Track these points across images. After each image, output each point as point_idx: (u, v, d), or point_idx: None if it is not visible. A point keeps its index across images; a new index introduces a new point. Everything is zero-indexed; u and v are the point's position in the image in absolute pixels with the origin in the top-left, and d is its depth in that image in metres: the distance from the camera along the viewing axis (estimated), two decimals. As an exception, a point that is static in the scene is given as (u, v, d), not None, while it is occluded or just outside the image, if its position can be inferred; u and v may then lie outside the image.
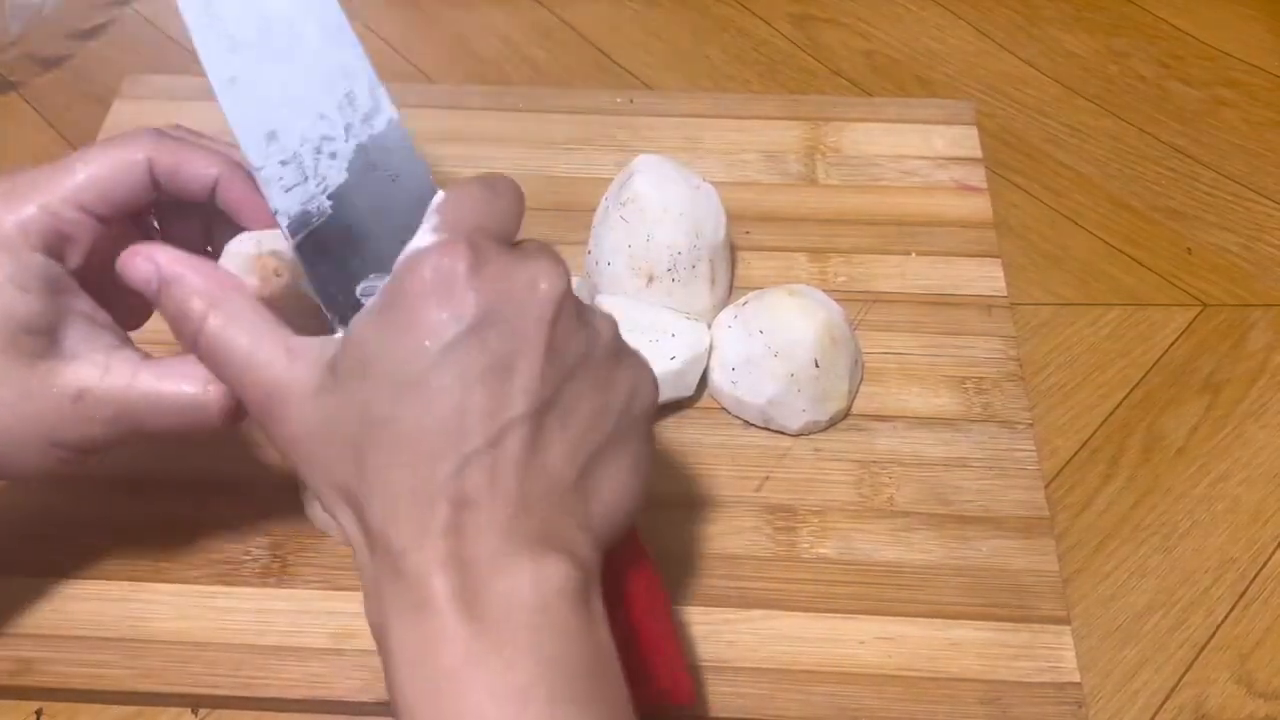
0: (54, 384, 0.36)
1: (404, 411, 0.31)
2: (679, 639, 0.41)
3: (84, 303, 0.38)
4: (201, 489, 0.48)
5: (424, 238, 0.33)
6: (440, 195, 0.34)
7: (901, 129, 0.62)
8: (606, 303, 0.50)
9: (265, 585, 0.46)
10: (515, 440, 0.31)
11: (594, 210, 0.54)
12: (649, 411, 0.36)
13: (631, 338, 0.47)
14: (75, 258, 0.37)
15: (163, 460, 0.49)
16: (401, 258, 0.33)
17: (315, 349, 0.33)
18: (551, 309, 0.32)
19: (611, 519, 0.34)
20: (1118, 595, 0.47)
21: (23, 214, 0.36)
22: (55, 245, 0.37)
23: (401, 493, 0.31)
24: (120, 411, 0.36)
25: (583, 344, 0.33)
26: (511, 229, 0.35)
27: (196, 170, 0.38)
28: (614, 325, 0.35)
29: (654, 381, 0.36)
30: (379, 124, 0.36)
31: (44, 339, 0.36)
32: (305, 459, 0.33)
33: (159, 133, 0.39)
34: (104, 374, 0.36)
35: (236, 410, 0.36)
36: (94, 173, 0.37)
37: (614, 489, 0.34)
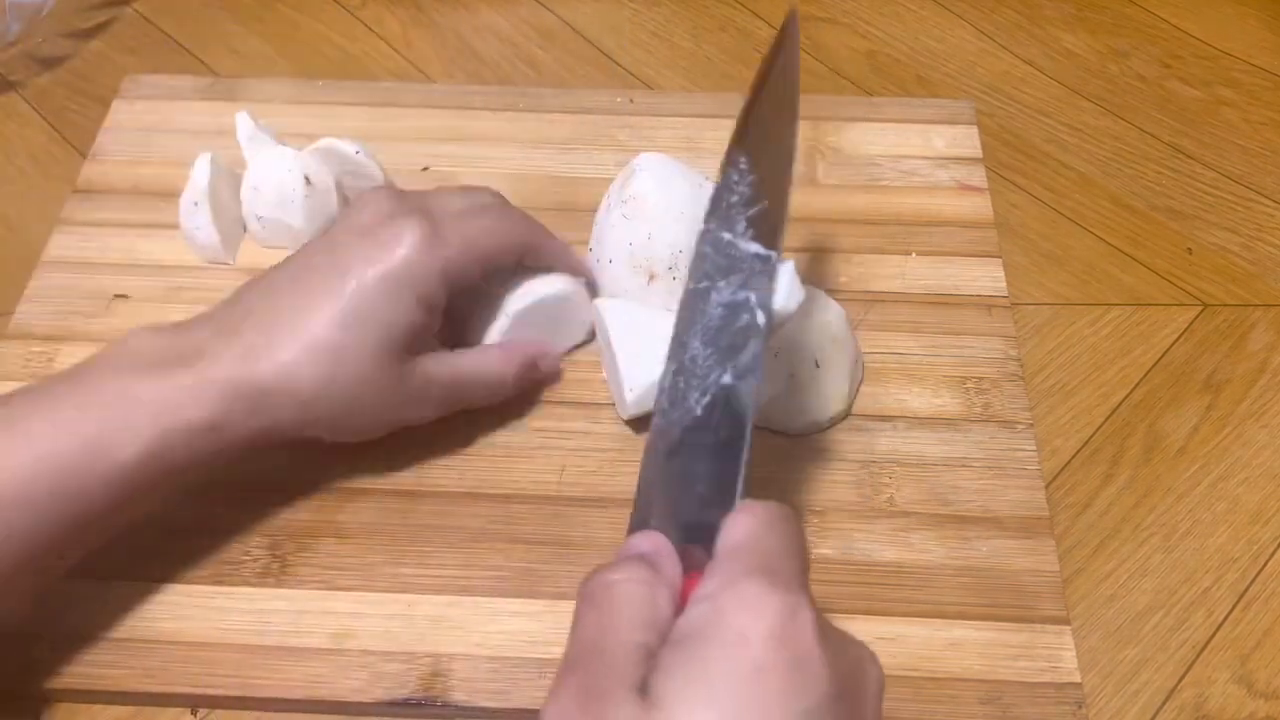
0: (413, 373, 0.45)
1: None
2: None
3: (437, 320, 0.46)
4: (201, 489, 0.48)
5: (749, 572, 0.30)
6: (754, 517, 0.32)
7: (901, 129, 0.62)
8: (607, 305, 0.49)
9: (265, 585, 0.46)
10: None
11: (594, 210, 0.54)
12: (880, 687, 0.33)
13: (632, 341, 0.48)
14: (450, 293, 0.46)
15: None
16: (734, 592, 0.29)
17: None
18: (880, 699, 0.30)
19: None
20: (1118, 595, 0.47)
21: (448, 254, 0.44)
22: (454, 282, 0.45)
23: None
24: (449, 391, 0.47)
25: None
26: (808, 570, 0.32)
27: (557, 264, 0.51)
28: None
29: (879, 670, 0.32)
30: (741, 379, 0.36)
31: (416, 343, 0.45)
32: None
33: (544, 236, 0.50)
34: (439, 365, 0.46)
35: (525, 383, 0.50)
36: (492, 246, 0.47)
37: None
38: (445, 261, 0.44)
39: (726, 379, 0.36)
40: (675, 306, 0.38)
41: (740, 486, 0.34)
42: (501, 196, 0.50)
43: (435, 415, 0.47)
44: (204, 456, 0.41)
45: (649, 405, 0.47)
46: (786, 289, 0.41)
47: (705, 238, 0.40)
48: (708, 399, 0.36)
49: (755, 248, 0.39)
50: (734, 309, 0.38)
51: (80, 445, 0.39)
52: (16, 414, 0.39)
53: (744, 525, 0.31)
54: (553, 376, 0.52)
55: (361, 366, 0.43)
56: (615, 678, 0.28)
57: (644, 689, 0.28)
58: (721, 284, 0.39)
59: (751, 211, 0.40)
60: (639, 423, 0.50)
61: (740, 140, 0.42)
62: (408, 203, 0.46)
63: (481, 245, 0.46)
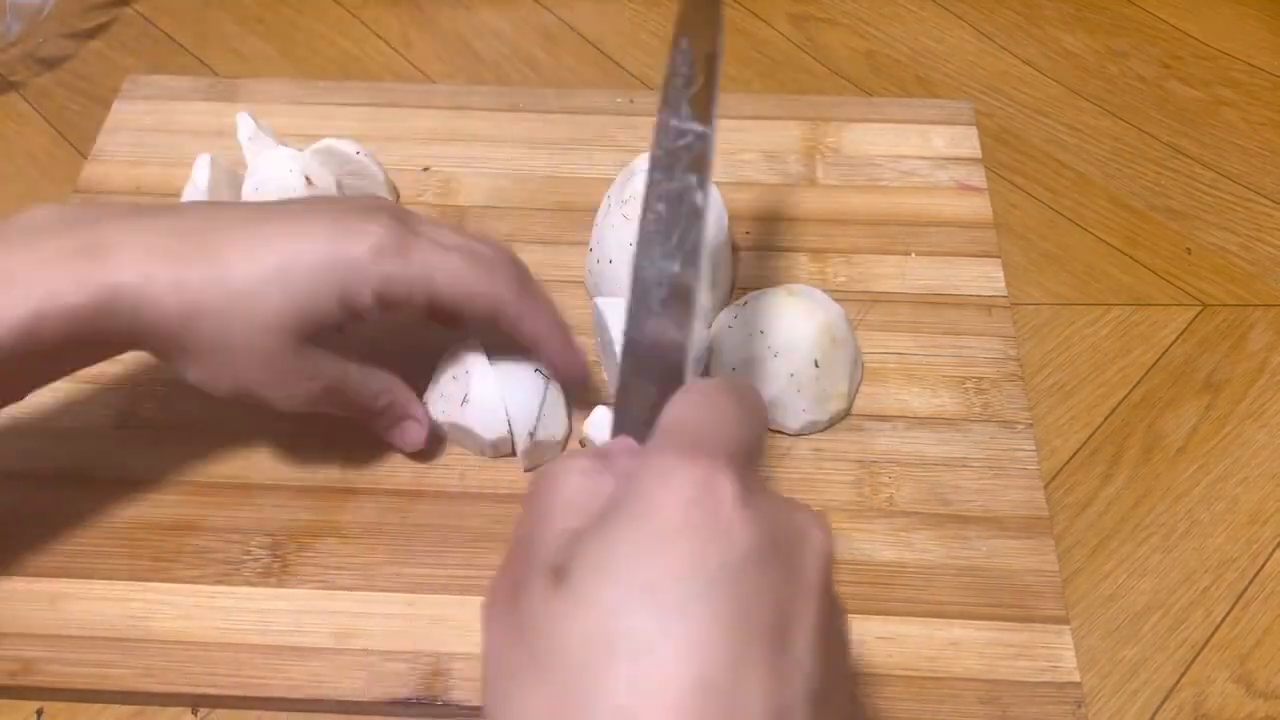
0: (301, 357, 0.43)
1: (651, 639, 0.25)
2: None
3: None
4: (201, 489, 0.48)
5: (669, 446, 0.28)
6: (686, 396, 0.30)
7: (901, 129, 0.62)
8: (606, 304, 0.49)
9: (265, 585, 0.46)
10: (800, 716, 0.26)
11: (594, 210, 0.54)
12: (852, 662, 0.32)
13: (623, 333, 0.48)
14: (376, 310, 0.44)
15: (162, 460, 0.49)
16: (646, 466, 0.28)
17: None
18: (825, 567, 0.28)
19: None
20: (1117, 595, 0.47)
21: (394, 271, 0.43)
22: (390, 301, 0.44)
23: None
24: (324, 392, 0.45)
25: (839, 607, 0.29)
26: (760, 454, 0.31)
27: (541, 344, 0.47)
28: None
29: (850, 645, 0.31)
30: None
31: (321, 334, 0.43)
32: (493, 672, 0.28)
33: (520, 282, 0.46)
34: (330, 363, 0.45)
35: (384, 432, 0.49)
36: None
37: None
38: (388, 277, 0.43)
39: (675, 267, 0.35)
40: None
41: (687, 371, 0.33)
42: (508, 253, 0.47)
43: (302, 408, 0.45)
44: (78, 345, 0.41)
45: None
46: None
47: (659, 127, 0.39)
48: (664, 291, 0.35)
49: (695, 126, 0.39)
50: (677, 198, 0.37)
51: None
52: None
53: (678, 404, 0.30)
54: (410, 445, 0.49)
55: (252, 326, 0.42)
56: (535, 564, 0.27)
57: (561, 571, 0.27)
58: (665, 175, 0.38)
59: (691, 91, 0.40)
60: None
61: (681, 24, 0.42)
62: (397, 212, 0.45)
63: (438, 281, 0.44)
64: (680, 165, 0.38)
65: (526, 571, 0.27)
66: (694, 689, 0.24)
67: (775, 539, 0.27)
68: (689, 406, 0.30)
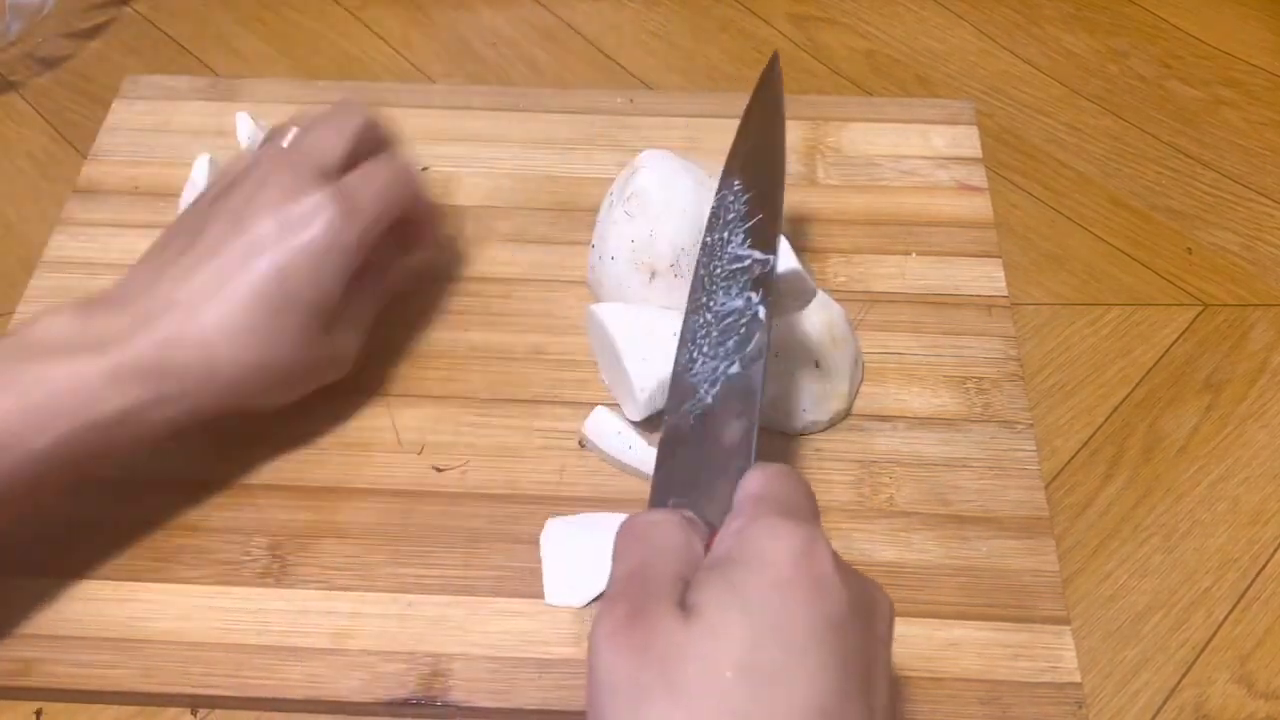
0: (333, 340, 0.46)
1: (784, 669, 0.29)
2: None
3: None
4: (201, 489, 0.48)
5: (768, 511, 0.33)
6: (766, 471, 0.35)
7: (901, 129, 0.62)
8: (604, 309, 0.49)
9: (265, 585, 0.46)
10: None
11: (594, 210, 0.54)
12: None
13: (636, 342, 0.48)
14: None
15: (162, 460, 0.49)
16: (756, 524, 0.32)
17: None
18: (891, 626, 0.33)
19: None
20: (1118, 595, 0.47)
21: (364, 225, 0.46)
22: (368, 248, 0.46)
23: None
24: (365, 335, 0.49)
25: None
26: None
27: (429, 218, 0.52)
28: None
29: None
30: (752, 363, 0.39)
31: (336, 314, 0.46)
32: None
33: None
34: (350, 324, 0.47)
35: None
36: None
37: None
38: (361, 233, 0.45)
39: (735, 369, 0.39)
40: (675, 303, 0.39)
41: (753, 453, 0.37)
42: (374, 117, 0.50)
43: (354, 360, 0.49)
44: (119, 446, 0.42)
45: (659, 404, 0.47)
46: (784, 256, 0.43)
47: (705, 249, 0.43)
48: (717, 389, 0.39)
49: (754, 253, 0.42)
50: (737, 312, 0.40)
51: None
52: None
53: (759, 477, 0.34)
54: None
55: (284, 348, 0.44)
56: (658, 597, 0.31)
57: (683, 606, 0.30)
58: (723, 291, 0.41)
59: (749, 224, 0.43)
60: (644, 423, 0.50)
61: (732, 168, 0.46)
62: (304, 172, 0.45)
63: (387, 205, 0.47)
64: (737, 285, 0.41)
65: (647, 603, 0.31)
66: (816, 712, 0.29)
67: (859, 599, 0.32)
68: (773, 480, 0.34)
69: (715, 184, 0.52)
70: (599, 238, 0.53)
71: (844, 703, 0.29)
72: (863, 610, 0.32)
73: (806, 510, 0.34)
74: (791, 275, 0.43)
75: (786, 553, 0.31)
